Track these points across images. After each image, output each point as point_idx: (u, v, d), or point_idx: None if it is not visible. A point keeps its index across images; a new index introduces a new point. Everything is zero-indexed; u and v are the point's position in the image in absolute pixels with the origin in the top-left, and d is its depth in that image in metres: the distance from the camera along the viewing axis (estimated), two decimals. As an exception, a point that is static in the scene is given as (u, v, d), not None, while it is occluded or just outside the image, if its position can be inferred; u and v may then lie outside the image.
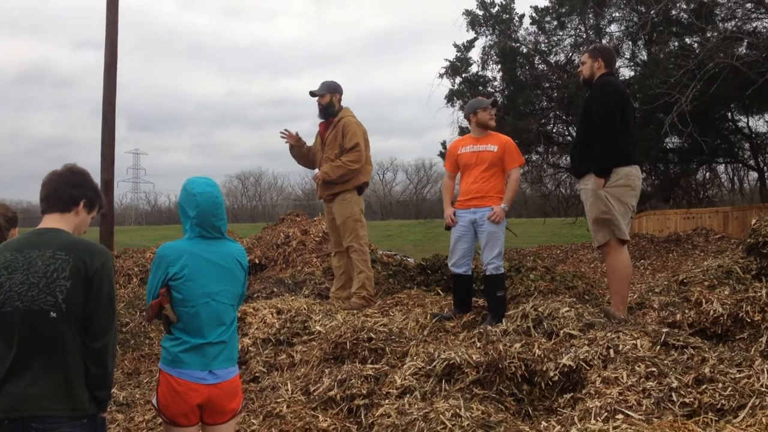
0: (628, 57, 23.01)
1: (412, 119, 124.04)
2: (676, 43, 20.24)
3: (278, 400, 4.96)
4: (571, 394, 4.54)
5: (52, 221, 3.12)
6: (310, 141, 8.06)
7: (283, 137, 7.93)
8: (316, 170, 7.76)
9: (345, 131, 7.47)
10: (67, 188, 3.15)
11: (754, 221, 7.05)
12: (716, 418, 3.94)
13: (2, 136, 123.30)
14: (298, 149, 7.97)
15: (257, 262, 10.68)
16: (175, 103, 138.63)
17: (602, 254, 6.33)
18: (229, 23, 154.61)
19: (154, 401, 3.57)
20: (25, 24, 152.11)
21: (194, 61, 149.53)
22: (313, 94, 7.67)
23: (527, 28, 23.39)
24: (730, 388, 4.15)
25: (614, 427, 3.73)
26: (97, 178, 3.43)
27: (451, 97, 22.76)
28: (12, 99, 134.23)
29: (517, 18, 23.14)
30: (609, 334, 5.04)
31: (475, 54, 35.13)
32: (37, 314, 2.88)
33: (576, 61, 23.48)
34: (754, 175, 25.96)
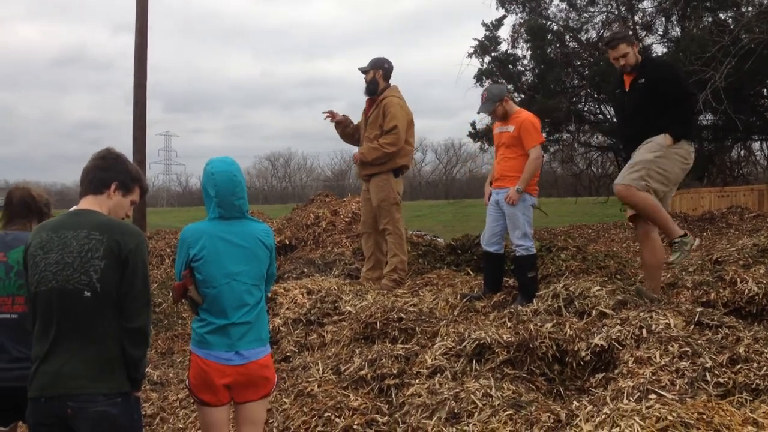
0: (661, 33, 22.67)
1: (444, 99, 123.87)
2: (710, 19, 19.84)
3: (309, 380, 4.99)
4: (603, 374, 4.51)
5: (87, 203, 3.16)
6: (355, 118, 7.96)
7: (326, 117, 7.84)
8: (356, 150, 7.72)
9: (386, 112, 7.38)
10: (98, 171, 3.19)
11: None
12: (751, 398, 3.89)
13: (38, 119, 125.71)
14: (343, 129, 7.90)
15: (287, 242, 10.74)
16: (210, 85, 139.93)
17: (625, 198, 6.01)
18: (265, 6, 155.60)
19: (187, 381, 3.62)
20: (66, 7, 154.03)
21: (230, 43, 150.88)
22: (361, 70, 7.62)
23: (557, 5, 23.10)
24: (765, 368, 4.10)
25: (647, 407, 3.70)
26: (129, 160, 3.44)
27: (480, 77, 22.57)
28: (50, 82, 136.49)
29: (547, -5, 22.84)
30: (642, 314, 5.00)
31: (504, 32, 34.85)
32: (71, 293, 2.92)
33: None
34: (790, 152, 25.50)
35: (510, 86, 22.90)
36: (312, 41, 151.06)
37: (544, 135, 23.20)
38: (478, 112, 6.68)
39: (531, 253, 6.30)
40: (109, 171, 3.20)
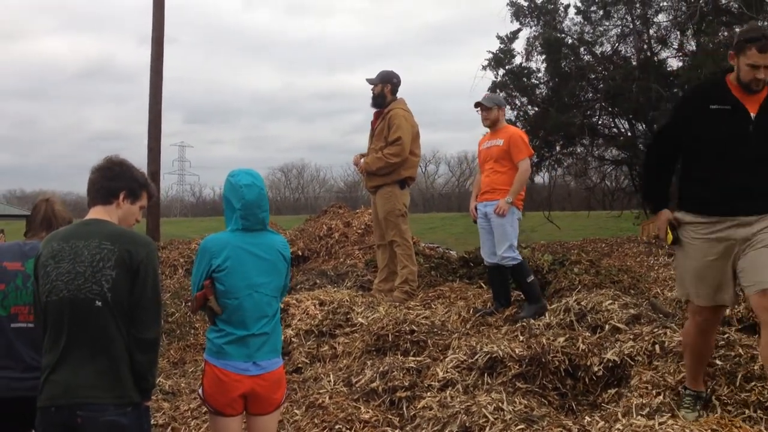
0: (676, 47, 22.58)
1: (462, 111, 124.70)
2: (726, 33, 19.77)
3: (321, 391, 4.99)
4: (616, 389, 4.49)
5: (96, 213, 3.17)
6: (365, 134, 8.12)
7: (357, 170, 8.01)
8: (361, 159, 7.79)
9: (391, 124, 7.45)
10: (105, 181, 3.19)
11: None
12: (765, 416, 3.86)
13: (61, 130, 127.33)
14: None
15: (300, 254, 10.74)
16: (231, 97, 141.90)
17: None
18: (290, 20, 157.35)
19: (199, 391, 3.62)
20: (95, 19, 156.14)
21: (254, 56, 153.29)
22: (369, 81, 7.71)
23: (572, 19, 23.06)
24: (779, 386, 4.06)
25: (660, 424, 3.68)
26: (143, 170, 3.45)
27: (494, 90, 22.52)
28: (75, 93, 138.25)
29: (562, 8, 22.85)
30: (655, 329, 4.97)
31: (518, 45, 34.83)
32: (82, 303, 2.93)
33: (623, 52, 23.08)
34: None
35: (524, 99, 22.91)
36: (335, 54, 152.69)
37: (557, 148, 23.30)
38: (479, 101, 6.66)
39: (518, 260, 6.36)
40: (116, 180, 3.21)
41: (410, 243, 7.71)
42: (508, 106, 22.56)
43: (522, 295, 6.58)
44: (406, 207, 7.68)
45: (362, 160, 7.73)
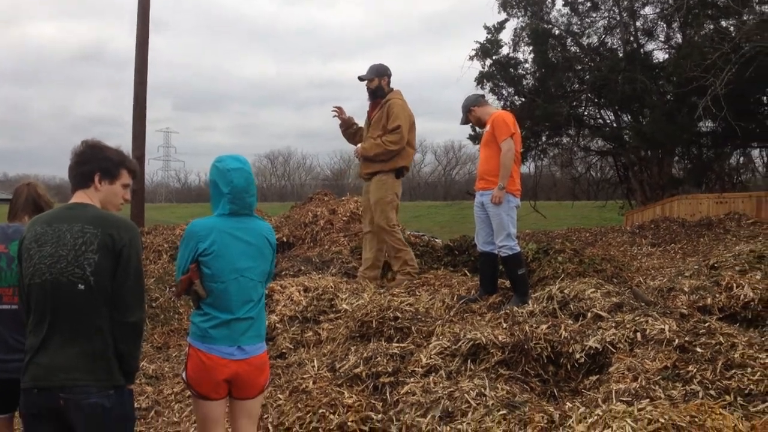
0: (663, 39, 22.68)
1: (451, 102, 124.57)
2: (712, 26, 19.87)
3: (304, 376, 5.00)
4: (597, 376, 4.53)
5: (79, 197, 3.16)
6: (360, 121, 8.20)
7: (334, 113, 8.08)
8: (358, 145, 7.88)
9: (390, 113, 7.56)
10: (78, 166, 3.18)
11: None
12: (744, 403, 3.90)
13: (50, 114, 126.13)
14: (346, 128, 8.13)
15: (285, 240, 10.74)
16: (224, 84, 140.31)
17: None
18: (291, 8, 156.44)
19: (183, 375, 3.61)
20: (85, 4, 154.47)
21: (253, 44, 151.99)
22: (361, 78, 7.77)
23: (560, 10, 23.16)
24: (759, 373, 4.11)
25: (639, 410, 3.71)
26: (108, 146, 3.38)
27: (481, 80, 22.58)
28: (66, 78, 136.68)
29: (549, -1, 22.88)
30: (637, 317, 5.01)
31: (506, 36, 34.88)
32: (65, 286, 2.93)
33: (609, 44, 23.16)
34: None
35: (511, 89, 22.94)
36: (333, 43, 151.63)
37: (543, 138, 23.36)
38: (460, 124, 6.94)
39: (516, 251, 6.31)
40: (88, 163, 3.18)
41: (397, 229, 7.79)
42: (495, 96, 22.62)
43: (508, 285, 6.60)
44: (397, 197, 7.79)
45: (359, 145, 7.83)
